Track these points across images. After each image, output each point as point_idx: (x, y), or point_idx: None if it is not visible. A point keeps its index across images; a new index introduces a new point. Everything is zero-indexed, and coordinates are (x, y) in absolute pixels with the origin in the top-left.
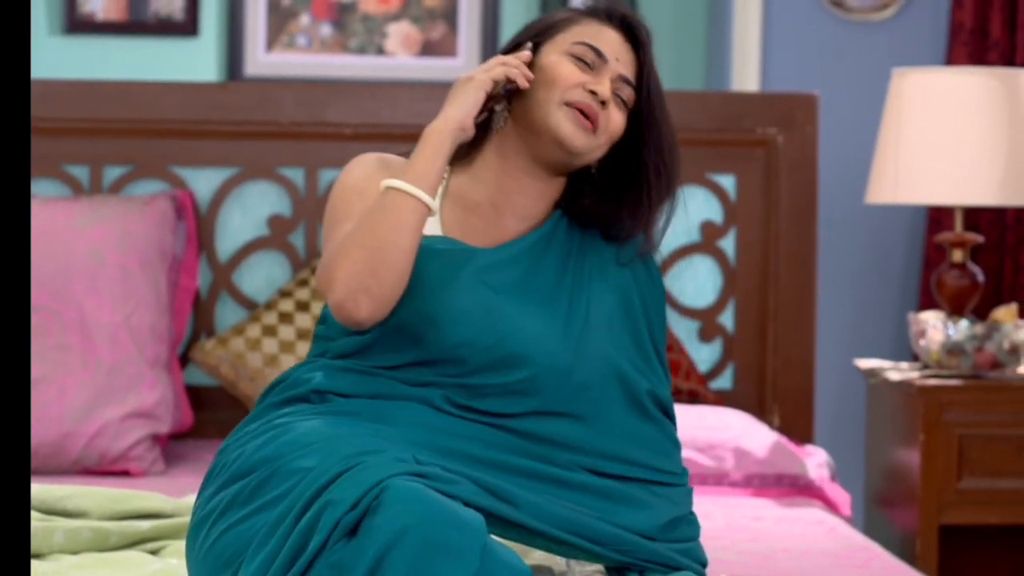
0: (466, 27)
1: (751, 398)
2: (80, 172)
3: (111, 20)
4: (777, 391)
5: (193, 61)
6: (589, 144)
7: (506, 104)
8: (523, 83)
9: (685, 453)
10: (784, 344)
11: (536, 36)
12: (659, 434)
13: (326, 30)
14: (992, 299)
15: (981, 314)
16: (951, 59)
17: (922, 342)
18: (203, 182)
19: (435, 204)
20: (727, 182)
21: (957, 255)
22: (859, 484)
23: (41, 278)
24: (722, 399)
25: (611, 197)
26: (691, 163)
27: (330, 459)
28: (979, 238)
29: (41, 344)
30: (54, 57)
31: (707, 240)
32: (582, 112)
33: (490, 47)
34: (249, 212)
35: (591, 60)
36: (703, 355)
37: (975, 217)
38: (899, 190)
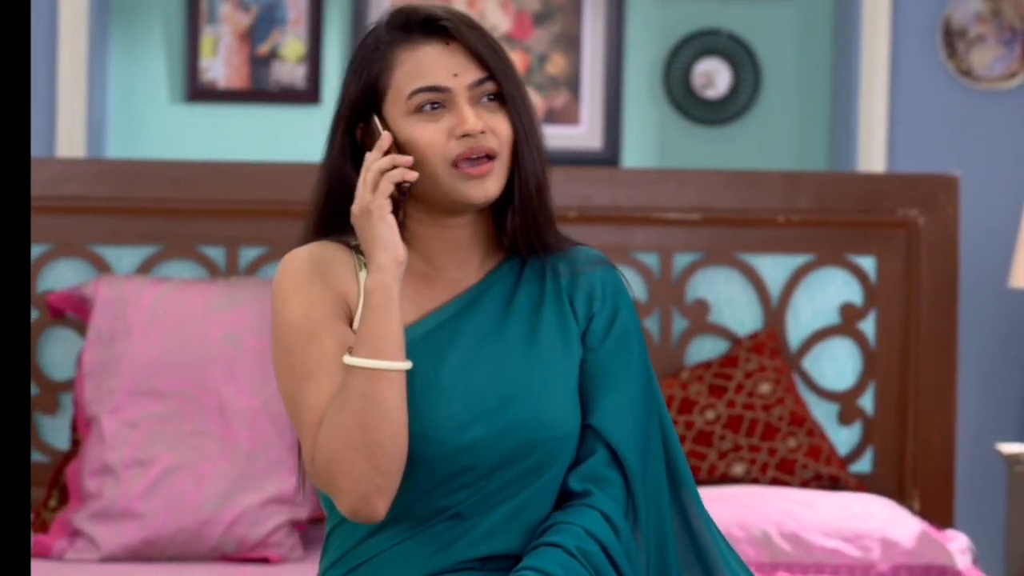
0: (589, 95)
1: (891, 482)
2: (216, 253)
3: (233, 88)
4: (918, 475)
5: (315, 129)
6: (494, 184)
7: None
8: (412, 176)
9: (831, 543)
10: (924, 428)
11: (370, 106)
12: None
13: None
14: None
15: None
16: None
17: None
18: None
19: (408, 364)
20: (867, 264)
21: None
22: (999, 570)
23: (179, 364)
24: (862, 483)
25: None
26: (831, 244)
27: None
28: None
29: (179, 430)
30: (176, 125)
31: (847, 322)
32: (470, 160)
33: (613, 115)
34: None
35: (437, 100)
36: (842, 438)
37: None
38: None
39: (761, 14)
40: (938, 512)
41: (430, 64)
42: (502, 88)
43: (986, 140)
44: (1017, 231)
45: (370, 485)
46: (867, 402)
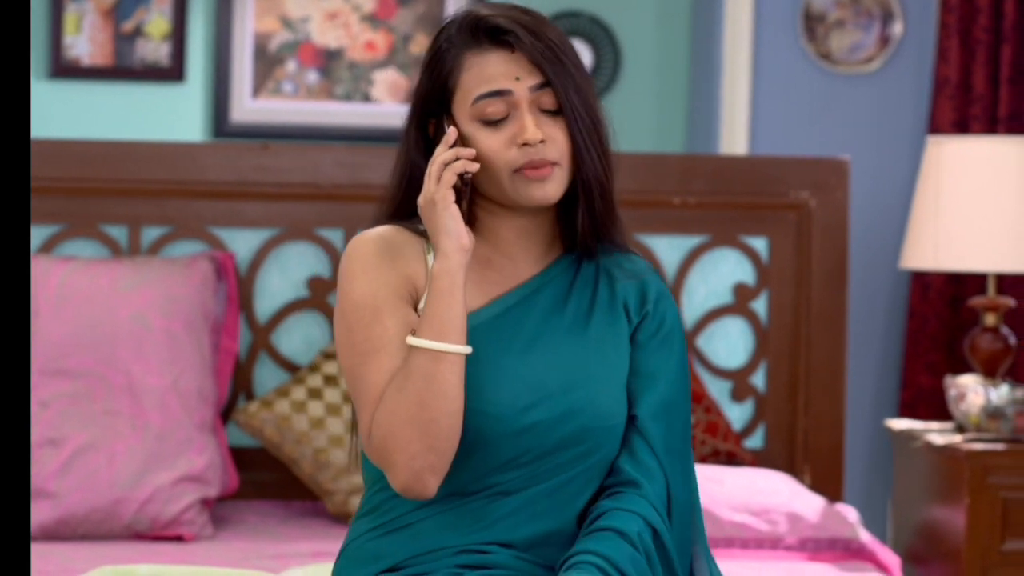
0: None
1: (782, 457)
2: (118, 233)
3: (97, 65)
4: (808, 451)
5: (179, 107)
6: (556, 187)
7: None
8: (474, 167)
9: (739, 517)
10: (815, 404)
11: (440, 103)
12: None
13: (312, 77)
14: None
15: (1017, 377)
16: (936, 113)
17: (962, 406)
18: (242, 243)
19: (469, 349)
20: (760, 245)
21: (990, 319)
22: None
23: (88, 343)
24: (755, 459)
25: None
26: (724, 226)
27: None
28: (1012, 302)
29: (89, 409)
30: (40, 102)
31: (739, 302)
32: (532, 167)
33: None
34: (288, 273)
35: (501, 109)
36: (735, 414)
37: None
38: (939, 256)
39: None
40: (828, 486)
41: (494, 70)
42: (558, 97)
43: (846, 123)
44: (889, 211)
45: (424, 462)
46: (759, 380)
